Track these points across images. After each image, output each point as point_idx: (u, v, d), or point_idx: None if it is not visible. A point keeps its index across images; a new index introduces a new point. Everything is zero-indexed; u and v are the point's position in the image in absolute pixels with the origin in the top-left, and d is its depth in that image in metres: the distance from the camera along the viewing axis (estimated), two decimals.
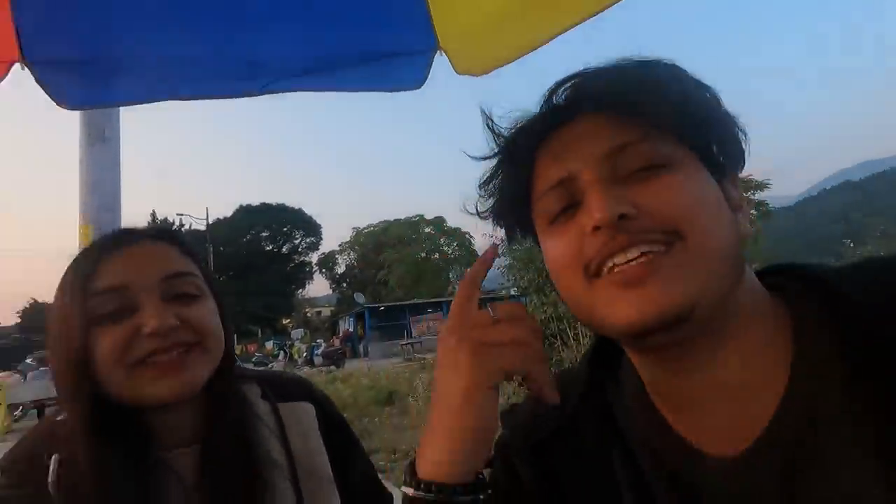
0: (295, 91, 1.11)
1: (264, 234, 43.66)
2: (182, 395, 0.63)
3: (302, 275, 45.95)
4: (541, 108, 0.54)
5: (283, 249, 44.57)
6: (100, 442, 0.59)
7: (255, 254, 41.93)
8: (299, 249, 45.43)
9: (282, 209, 44.26)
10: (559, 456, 0.56)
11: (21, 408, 11.59)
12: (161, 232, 0.71)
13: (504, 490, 0.58)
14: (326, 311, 46.28)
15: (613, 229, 0.47)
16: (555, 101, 0.53)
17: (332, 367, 17.08)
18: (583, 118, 0.51)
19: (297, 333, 32.61)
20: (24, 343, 27.47)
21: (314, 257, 45.92)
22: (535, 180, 0.55)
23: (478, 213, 0.60)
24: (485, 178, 0.58)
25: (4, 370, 14.92)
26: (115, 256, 0.65)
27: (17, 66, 0.99)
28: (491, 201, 0.59)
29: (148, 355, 0.61)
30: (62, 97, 1.01)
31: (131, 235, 0.69)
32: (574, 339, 6.38)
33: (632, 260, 0.47)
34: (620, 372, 0.59)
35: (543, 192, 0.53)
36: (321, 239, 45.83)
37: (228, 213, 43.17)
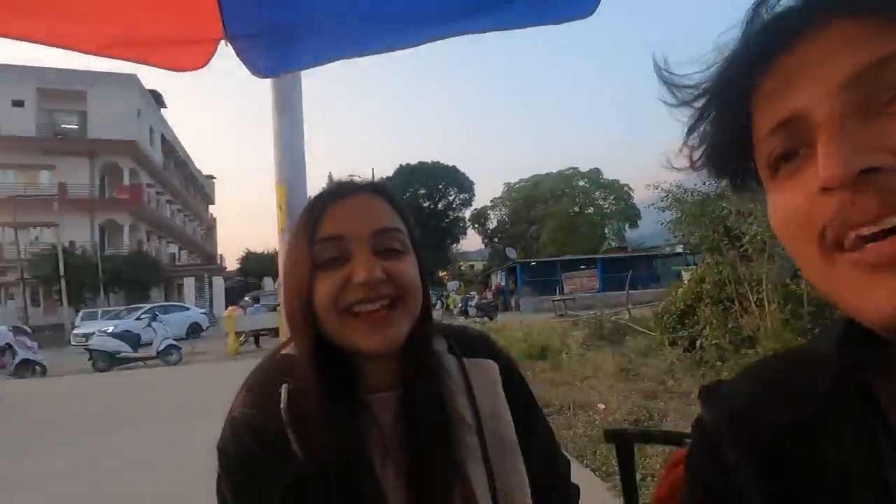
0: (458, 35, 1.06)
1: (422, 192, 46.09)
2: (387, 349, 0.66)
3: (456, 230, 47.82)
4: (747, 27, 0.40)
5: (439, 206, 46.71)
6: (322, 376, 0.65)
7: (414, 210, 44.17)
8: (453, 206, 47.19)
9: (437, 167, 46.07)
10: (799, 451, 0.43)
11: (243, 335, 14.60)
12: (375, 186, 0.74)
13: (710, 483, 0.48)
14: (479, 265, 47.84)
15: (853, 190, 0.34)
16: (767, 16, 0.39)
17: (486, 319, 17.78)
18: (810, 33, 0.37)
19: (452, 285, 34.42)
20: (245, 284, 34.21)
21: (467, 213, 47.37)
22: (755, 120, 0.41)
23: (691, 165, 0.48)
24: (691, 123, 0.45)
25: (232, 305, 18.85)
26: (335, 207, 0.69)
27: (221, 43, 1.13)
28: (702, 150, 0.46)
29: (355, 303, 0.65)
30: (256, 68, 1.13)
31: (349, 188, 0.73)
32: (757, 305, 5.55)
33: (890, 231, 0.33)
34: (888, 353, 0.42)
35: (764, 137, 0.40)
36: (474, 195, 46.88)
37: (390, 173, 46.49)
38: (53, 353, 13.79)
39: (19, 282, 23.19)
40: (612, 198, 38.69)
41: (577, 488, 0.81)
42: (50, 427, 5.65)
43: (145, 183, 31.16)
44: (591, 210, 38.22)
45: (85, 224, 27.25)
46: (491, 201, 46.05)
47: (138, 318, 15.39)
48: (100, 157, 28.83)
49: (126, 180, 29.35)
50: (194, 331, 20.48)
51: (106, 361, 10.75)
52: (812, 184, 0.36)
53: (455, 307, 23.77)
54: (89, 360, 10.84)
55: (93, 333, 12.78)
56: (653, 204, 8.31)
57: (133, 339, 11.69)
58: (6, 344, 10.27)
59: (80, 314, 20.52)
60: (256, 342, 14.46)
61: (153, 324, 11.71)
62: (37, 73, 27.39)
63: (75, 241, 25.67)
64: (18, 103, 27.86)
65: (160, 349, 11.07)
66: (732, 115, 0.42)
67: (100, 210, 28.17)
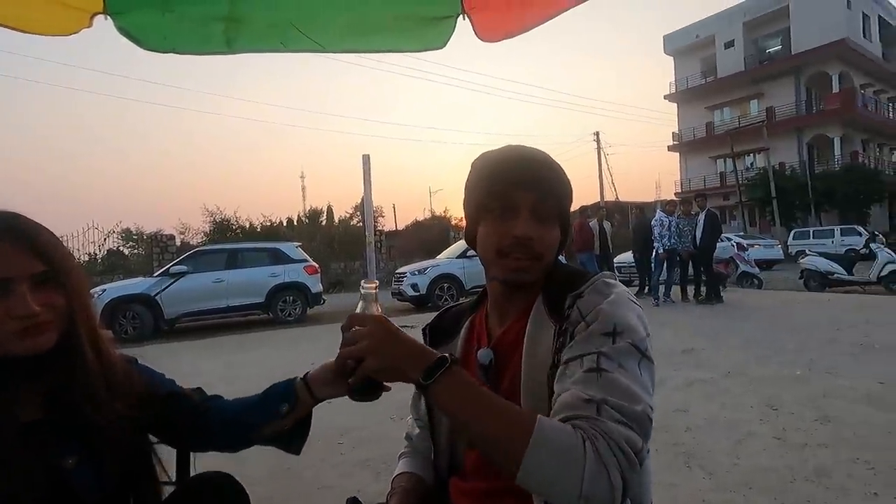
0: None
1: None
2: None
3: None
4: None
5: None
6: None
7: None
8: None
9: None
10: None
11: None
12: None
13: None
14: None
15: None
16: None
17: None
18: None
19: None
20: None
21: None
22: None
23: None
24: None
25: None
26: None
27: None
28: None
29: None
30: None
31: None
32: None
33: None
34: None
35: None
36: None
37: None
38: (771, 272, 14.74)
39: (738, 205, 25.23)
40: None
41: None
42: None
43: (858, 84, 29.16)
44: None
45: (792, 144, 28.84)
46: None
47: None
48: (805, 70, 28.97)
49: (835, 87, 28.05)
50: None
51: (818, 281, 10.11)
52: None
53: None
54: (800, 278, 10.55)
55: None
56: None
57: (847, 261, 10.06)
58: (730, 257, 10.81)
59: (792, 233, 21.25)
60: None
61: (872, 245, 9.89)
62: (743, 9, 30.74)
63: (784, 163, 27.49)
64: (730, 44, 31.59)
65: (882, 274, 9.35)
66: None
67: (807, 127, 28.80)
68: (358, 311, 0.77)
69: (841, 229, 19.66)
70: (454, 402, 0.66)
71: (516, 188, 0.81)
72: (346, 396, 0.80)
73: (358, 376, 0.72)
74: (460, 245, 11.06)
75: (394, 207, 40.51)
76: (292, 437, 0.91)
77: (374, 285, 0.80)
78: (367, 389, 0.76)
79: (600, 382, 0.66)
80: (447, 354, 0.69)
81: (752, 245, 16.02)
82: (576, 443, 0.59)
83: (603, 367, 0.67)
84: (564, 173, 0.86)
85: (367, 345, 0.71)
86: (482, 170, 0.85)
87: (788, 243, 20.02)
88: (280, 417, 0.88)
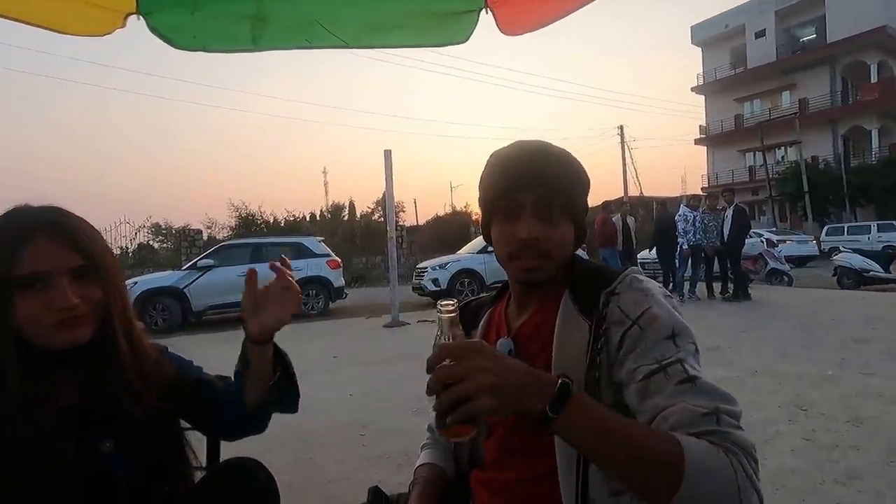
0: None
1: None
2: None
3: None
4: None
5: None
6: None
7: None
8: None
9: None
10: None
11: None
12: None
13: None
14: None
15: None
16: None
17: None
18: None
19: None
20: None
21: None
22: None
23: None
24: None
25: None
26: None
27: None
28: None
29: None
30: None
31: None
32: None
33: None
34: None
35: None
36: None
37: None
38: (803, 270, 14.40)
39: (768, 199, 24.62)
40: None
41: None
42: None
43: None
44: None
45: (826, 136, 27.68)
46: None
47: None
48: (840, 59, 27.67)
49: (873, 77, 26.90)
50: None
51: (852, 279, 9.54)
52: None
53: None
54: (833, 275, 10.00)
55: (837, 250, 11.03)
56: None
57: (885, 258, 9.84)
58: (759, 253, 10.54)
59: (825, 229, 20.57)
60: None
61: None
62: None
63: (817, 156, 26.27)
64: (760, 34, 30.53)
65: None
66: None
67: (842, 118, 27.54)
68: (439, 337, 0.67)
69: (878, 225, 18.94)
70: (587, 435, 0.60)
71: (518, 187, 0.80)
72: (438, 427, 0.64)
73: (462, 414, 0.59)
74: (480, 240, 11.01)
75: (415, 202, 40.80)
76: (282, 397, 0.93)
77: (453, 304, 0.68)
78: (469, 427, 0.62)
79: (698, 391, 0.65)
80: (564, 378, 0.61)
81: (785, 241, 15.59)
82: (723, 460, 0.58)
83: (690, 374, 0.66)
84: (578, 167, 0.84)
85: (483, 382, 0.58)
86: (492, 167, 0.84)
87: (821, 239, 19.04)
88: (241, 376, 0.89)
